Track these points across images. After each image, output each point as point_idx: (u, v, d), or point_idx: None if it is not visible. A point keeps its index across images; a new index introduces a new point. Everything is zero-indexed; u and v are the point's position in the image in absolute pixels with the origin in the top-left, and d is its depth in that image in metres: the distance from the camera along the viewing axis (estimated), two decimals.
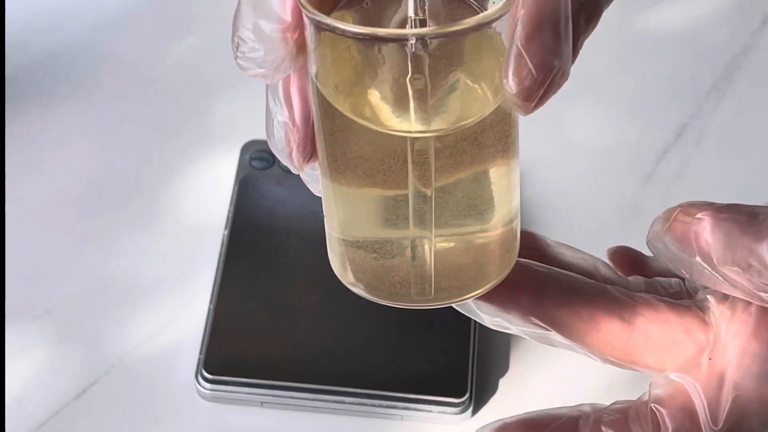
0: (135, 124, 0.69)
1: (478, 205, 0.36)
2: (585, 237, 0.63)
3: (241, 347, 0.58)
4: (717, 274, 0.36)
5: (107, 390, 0.58)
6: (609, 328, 0.38)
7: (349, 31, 0.31)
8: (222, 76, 0.71)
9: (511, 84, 0.31)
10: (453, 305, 0.38)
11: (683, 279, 0.41)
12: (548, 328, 0.38)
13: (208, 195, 0.65)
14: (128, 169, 0.67)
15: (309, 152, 0.36)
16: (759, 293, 0.35)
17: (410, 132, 0.33)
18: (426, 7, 0.33)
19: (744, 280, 0.35)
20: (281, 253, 0.61)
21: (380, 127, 0.33)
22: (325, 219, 0.38)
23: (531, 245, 0.41)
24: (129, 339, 0.60)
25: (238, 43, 0.33)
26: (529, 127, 0.68)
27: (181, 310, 0.61)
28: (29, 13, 0.74)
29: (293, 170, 0.36)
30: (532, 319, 0.38)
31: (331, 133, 0.34)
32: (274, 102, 0.35)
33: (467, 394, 0.57)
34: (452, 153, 0.34)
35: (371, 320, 0.59)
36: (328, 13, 0.33)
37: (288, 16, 0.32)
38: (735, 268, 0.35)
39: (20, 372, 0.58)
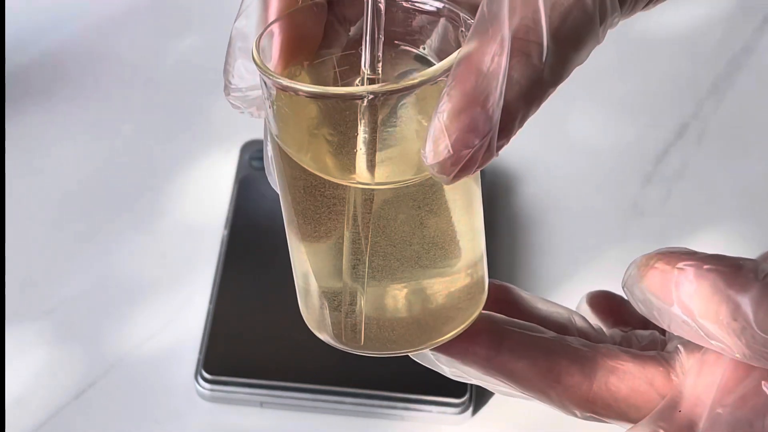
0: (134, 124, 0.69)
1: (420, 262, 0.36)
2: (585, 237, 0.64)
3: (240, 347, 0.58)
4: (697, 327, 0.35)
5: (107, 390, 0.58)
6: (568, 381, 0.38)
7: (301, 90, 0.32)
8: (222, 75, 0.71)
9: (427, 155, 0.30)
10: (410, 355, 0.39)
11: (663, 330, 0.41)
12: (506, 381, 0.38)
13: (208, 195, 0.65)
14: (128, 169, 0.67)
15: None
16: (739, 348, 0.34)
17: (353, 183, 0.34)
18: (379, 67, 0.33)
19: (725, 334, 0.34)
20: (280, 253, 0.58)
21: (325, 174, 0.34)
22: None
23: (504, 298, 0.41)
24: (128, 339, 0.60)
25: (228, 85, 0.36)
26: (529, 127, 0.68)
27: (180, 311, 0.61)
28: (29, 13, 0.74)
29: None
30: (490, 371, 0.38)
31: (285, 179, 0.36)
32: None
33: (467, 394, 0.57)
34: (393, 207, 0.34)
35: None
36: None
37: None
38: (717, 323, 0.34)
39: (20, 372, 0.58)
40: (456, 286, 0.37)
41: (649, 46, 0.75)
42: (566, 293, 0.62)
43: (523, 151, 0.68)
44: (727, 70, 0.73)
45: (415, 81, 0.31)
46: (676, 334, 0.36)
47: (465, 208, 0.36)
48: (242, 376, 0.57)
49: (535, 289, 0.62)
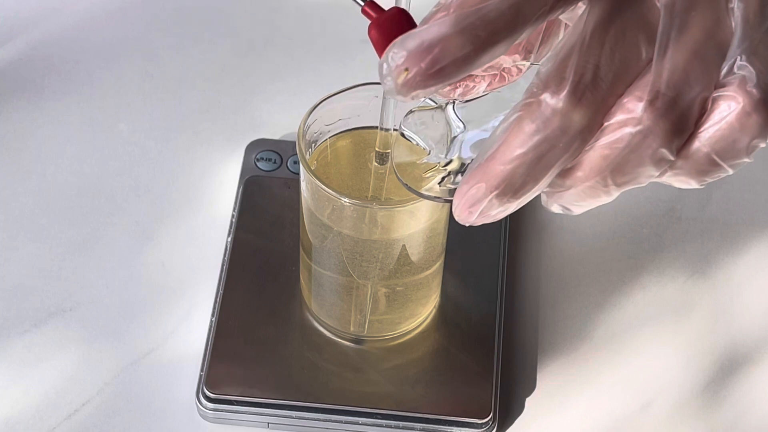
0: (130, 122, 0.69)
1: (408, 270, 0.55)
2: (620, 243, 0.65)
3: (245, 363, 0.58)
4: None
5: (100, 410, 0.57)
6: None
7: (329, 192, 0.50)
8: (225, 68, 0.71)
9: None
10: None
11: None
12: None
13: (210, 199, 0.65)
14: (123, 170, 0.66)
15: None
16: None
17: (370, 206, 0.51)
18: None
19: None
20: (289, 262, 0.60)
21: (347, 198, 0.50)
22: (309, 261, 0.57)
23: None
24: (124, 355, 0.59)
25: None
26: None
27: (180, 324, 0.61)
28: (17, 1, 0.74)
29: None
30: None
31: (316, 203, 0.53)
32: None
33: (490, 415, 0.56)
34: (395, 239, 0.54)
35: None
36: None
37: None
38: None
39: (7, 391, 0.58)
40: (427, 286, 0.57)
41: None
42: (598, 303, 0.63)
43: None
44: None
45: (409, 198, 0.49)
46: None
47: (439, 244, 0.56)
48: (247, 394, 0.56)
49: (566, 297, 0.63)
